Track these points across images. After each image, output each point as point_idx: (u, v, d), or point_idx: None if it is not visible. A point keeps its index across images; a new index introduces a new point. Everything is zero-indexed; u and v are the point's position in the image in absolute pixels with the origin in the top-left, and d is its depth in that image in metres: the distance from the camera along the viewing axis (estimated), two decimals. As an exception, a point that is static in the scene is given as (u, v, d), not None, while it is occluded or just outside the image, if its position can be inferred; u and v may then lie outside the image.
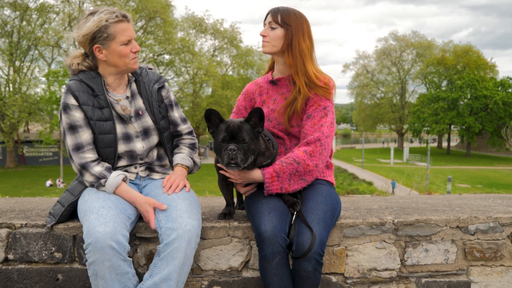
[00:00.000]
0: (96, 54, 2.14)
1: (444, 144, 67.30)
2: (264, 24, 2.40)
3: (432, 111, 53.94)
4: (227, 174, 2.23)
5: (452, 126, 57.74)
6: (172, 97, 2.41)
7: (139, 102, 2.29)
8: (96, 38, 2.10)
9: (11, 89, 36.65)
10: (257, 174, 2.19)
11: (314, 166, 2.20)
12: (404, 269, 2.42)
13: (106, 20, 2.08)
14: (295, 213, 2.15)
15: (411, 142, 60.90)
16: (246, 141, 2.06)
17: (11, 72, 36.95)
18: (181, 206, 2.05)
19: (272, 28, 2.34)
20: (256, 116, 2.09)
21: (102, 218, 1.90)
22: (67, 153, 2.18)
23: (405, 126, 62.71)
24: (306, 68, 2.31)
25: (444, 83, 58.76)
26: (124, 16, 2.13)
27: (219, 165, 2.23)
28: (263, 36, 2.37)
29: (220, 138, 2.07)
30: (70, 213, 2.22)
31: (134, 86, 2.31)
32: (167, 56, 41.92)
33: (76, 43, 2.23)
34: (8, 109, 33.53)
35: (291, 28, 2.32)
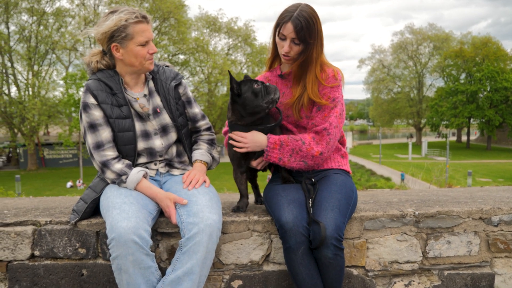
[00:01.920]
0: (113, 52, 2.17)
1: (464, 138, 66.12)
2: (282, 35, 2.24)
3: (451, 105, 53.03)
4: (235, 142, 2.27)
5: (471, 120, 56.66)
6: (190, 94, 2.43)
7: (157, 100, 2.31)
8: (114, 37, 2.13)
9: (30, 93, 37.39)
10: (263, 138, 2.25)
11: (319, 153, 2.24)
12: (426, 261, 2.39)
13: (126, 20, 2.10)
14: (310, 201, 2.16)
15: (439, 136, 59.45)
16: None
17: (30, 76, 37.69)
18: (201, 201, 2.07)
19: (296, 44, 2.24)
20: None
21: (125, 214, 1.93)
22: (88, 152, 2.22)
23: (423, 121, 61.79)
24: (316, 72, 2.30)
25: (463, 75, 57.60)
26: (144, 17, 2.15)
27: (231, 136, 2.31)
28: (287, 52, 2.26)
29: (256, 85, 2.20)
30: (93, 209, 2.27)
31: (151, 84, 2.34)
32: (181, 56, 42.19)
33: (95, 40, 2.27)
34: (28, 112, 34.23)
35: (312, 42, 2.24)
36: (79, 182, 29.48)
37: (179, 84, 2.39)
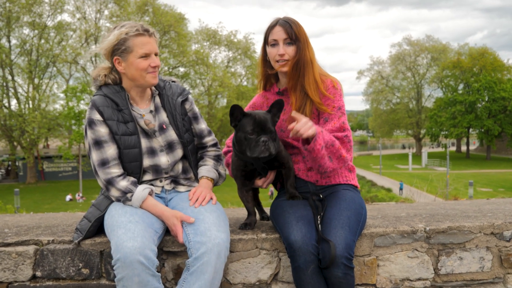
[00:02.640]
0: (116, 66, 2.16)
1: (463, 148, 66.14)
2: (273, 41, 2.27)
3: (450, 115, 53.17)
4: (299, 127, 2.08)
5: (470, 130, 56.77)
6: (196, 109, 2.39)
7: (163, 116, 2.28)
8: (115, 51, 2.12)
9: (30, 105, 37.46)
10: (312, 129, 2.06)
11: (345, 156, 2.20)
12: (438, 278, 2.34)
13: (126, 33, 2.10)
14: (318, 218, 2.11)
15: (440, 146, 59.65)
16: (273, 131, 2.12)
17: (31, 89, 37.80)
18: (209, 219, 2.02)
19: (288, 44, 2.27)
20: (276, 106, 2.18)
21: (130, 233, 1.88)
22: (92, 168, 2.17)
23: (423, 131, 61.87)
24: (314, 75, 2.28)
25: (461, 86, 57.86)
26: (146, 30, 2.13)
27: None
28: (282, 55, 2.27)
29: (249, 130, 2.10)
30: (97, 228, 2.21)
31: (157, 99, 2.30)
32: (182, 69, 42.39)
33: (97, 54, 2.26)
34: (28, 125, 34.25)
35: (301, 41, 2.27)
36: (78, 195, 29.36)
37: (186, 99, 2.36)
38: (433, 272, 2.32)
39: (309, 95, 2.26)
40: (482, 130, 53.46)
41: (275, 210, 2.27)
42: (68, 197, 29.15)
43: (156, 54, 2.17)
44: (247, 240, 2.23)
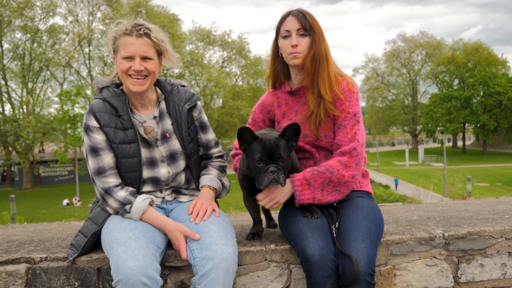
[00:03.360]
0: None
1: (459, 143, 66.29)
2: (285, 32, 2.12)
3: (445, 111, 53.27)
4: (262, 203, 2.07)
5: (466, 125, 56.92)
6: (205, 118, 2.23)
7: (167, 123, 2.12)
8: (113, 49, 2.05)
9: (25, 110, 37.14)
10: (288, 188, 2.01)
11: (351, 177, 2.01)
12: (458, 287, 2.20)
13: (115, 32, 2.01)
14: (333, 228, 1.96)
15: (436, 141, 59.96)
16: (284, 158, 1.92)
17: (24, 94, 37.46)
18: (214, 231, 1.87)
19: (302, 36, 2.11)
20: (291, 130, 1.95)
21: (131, 251, 1.72)
22: (90, 177, 2.02)
23: (419, 127, 61.96)
24: (329, 72, 2.12)
25: (456, 81, 57.98)
26: (133, 31, 1.96)
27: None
28: (295, 46, 2.10)
29: (257, 158, 1.91)
30: (93, 243, 2.06)
31: (163, 105, 2.14)
32: (176, 70, 42.10)
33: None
34: (23, 130, 33.94)
35: (316, 33, 2.11)
36: (75, 199, 29.12)
37: (194, 106, 2.18)
38: (453, 280, 2.19)
39: (321, 95, 2.10)
40: (478, 125, 53.60)
41: (286, 219, 2.11)
42: (65, 201, 28.88)
43: (144, 58, 1.97)
44: (255, 252, 2.08)
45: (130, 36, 1.96)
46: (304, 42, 2.10)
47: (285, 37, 2.13)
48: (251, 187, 2.10)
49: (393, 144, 67.42)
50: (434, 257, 2.17)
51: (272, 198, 2.03)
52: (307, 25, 2.09)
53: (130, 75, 1.98)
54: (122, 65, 1.97)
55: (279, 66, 2.25)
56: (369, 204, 2.10)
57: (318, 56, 2.10)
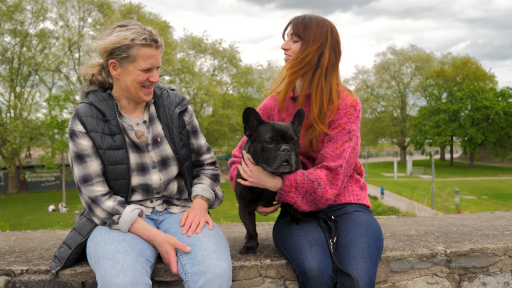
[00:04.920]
0: (110, 69, 1.91)
1: (447, 156, 66.93)
2: (287, 35, 2.17)
3: (434, 123, 53.81)
4: (243, 174, 1.95)
5: (454, 138, 57.52)
6: (196, 123, 2.14)
7: (158, 128, 2.02)
8: (114, 54, 1.86)
9: (12, 114, 36.62)
10: (275, 181, 1.91)
11: (332, 195, 1.94)
12: (459, 306, 2.12)
13: (131, 40, 1.83)
14: (331, 243, 1.87)
15: (424, 154, 60.59)
16: (295, 140, 1.85)
17: (12, 98, 36.97)
18: (207, 245, 1.76)
19: (294, 42, 2.10)
20: (298, 118, 1.94)
21: (119, 266, 1.61)
22: (76, 186, 1.91)
23: (407, 139, 62.48)
24: (322, 83, 2.05)
25: (444, 95, 58.74)
26: (154, 41, 1.87)
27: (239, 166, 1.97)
28: (285, 49, 2.14)
29: (267, 138, 1.81)
30: (78, 255, 1.94)
31: (153, 109, 2.05)
32: (167, 77, 42.00)
33: (80, 63, 2.01)
34: (10, 134, 33.41)
35: (306, 40, 2.06)
36: (61, 205, 28.63)
37: (185, 110, 2.10)
38: (454, 299, 2.11)
39: (311, 106, 2.04)
40: (466, 138, 54.22)
41: (281, 232, 2.02)
42: (51, 207, 28.37)
43: (157, 68, 1.92)
44: (250, 267, 1.98)
45: (150, 48, 1.86)
46: (295, 47, 2.10)
47: (284, 41, 2.18)
48: (248, 196, 2.00)
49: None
50: (435, 275, 2.09)
51: (257, 177, 1.91)
52: (300, 31, 2.08)
53: (143, 86, 1.90)
54: (140, 77, 1.87)
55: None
56: (368, 219, 2.01)
57: (304, 63, 2.05)
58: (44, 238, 2.69)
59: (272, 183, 1.91)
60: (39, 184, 40.65)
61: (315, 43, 2.05)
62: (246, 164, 1.95)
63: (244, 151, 2.01)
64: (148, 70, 1.88)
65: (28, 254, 2.22)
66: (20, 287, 1.91)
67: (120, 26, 1.88)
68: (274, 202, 2.05)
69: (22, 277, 1.93)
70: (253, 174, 1.92)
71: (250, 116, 1.88)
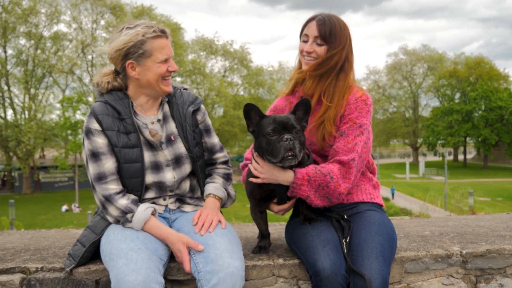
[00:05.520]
0: (128, 71, 1.92)
1: (460, 157, 66.14)
2: (305, 36, 2.09)
3: (447, 124, 53.20)
4: (254, 172, 1.95)
5: (467, 139, 56.79)
6: (209, 121, 2.15)
7: (172, 126, 2.03)
8: (130, 54, 1.88)
9: (26, 116, 37.13)
10: (287, 175, 1.90)
11: (345, 189, 1.92)
12: (475, 307, 2.08)
13: (143, 35, 1.85)
14: (344, 243, 1.86)
15: (437, 155, 60.08)
16: (298, 129, 1.84)
17: (27, 100, 37.49)
18: (220, 244, 1.76)
19: (319, 44, 2.05)
20: (302, 108, 1.91)
21: (133, 264, 1.62)
22: (90, 183, 1.92)
23: (419, 140, 61.87)
24: (339, 84, 2.06)
25: (457, 95, 58.00)
26: (163, 31, 1.90)
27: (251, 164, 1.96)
28: (308, 52, 2.07)
29: (269, 130, 1.81)
30: (92, 253, 1.95)
31: (166, 108, 2.06)
32: (178, 79, 42.22)
33: (92, 64, 2.01)
34: (24, 136, 33.89)
35: (336, 43, 2.04)
36: (74, 205, 28.95)
37: (198, 109, 2.11)
38: (470, 300, 2.08)
39: (333, 107, 2.03)
40: (479, 139, 53.48)
41: (294, 232, 2.01)
42: (64, 207, 28.69)
43: (171, 58, 1.94)
44: (263, 267, 1.97)
45: (162, 38, 1.90)
46: (320, 51, 2.05)
47: (304, 41, 2.11)
48: (258, 194, 2.00)
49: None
50: (451, 276, 2.06)
51: (270, 172, 1.91)
52: (326, 35, 2.03)
53: (163, 78, 1.93)
54: (160, 69, 1.89)
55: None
56: (382, 218, 1.99)
57: (328, 66, 2.04)
58: (58, 236, 2.72)
59: (284, 176, 1.91)
60: (53, 185, 41.16)
61: (339, 46, 2.05)
62: (256, 161, 1.95)
63: (254, 152, 2.00)
64: (165, 61, 1.90)
65: (42, 252, 2.24)
66: (35, 284, 1.93)
67: (127, 27, 1.90)
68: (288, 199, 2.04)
69: (37, 275, 1.95)
70: (264, 170, 1.92)
71: (251, 112, 1.88)
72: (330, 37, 2.03)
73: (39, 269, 1.97)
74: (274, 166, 1.91)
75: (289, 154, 1.80)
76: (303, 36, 2.11)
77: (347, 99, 2.04)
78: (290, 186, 1.91)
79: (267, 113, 2.28)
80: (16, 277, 1.94)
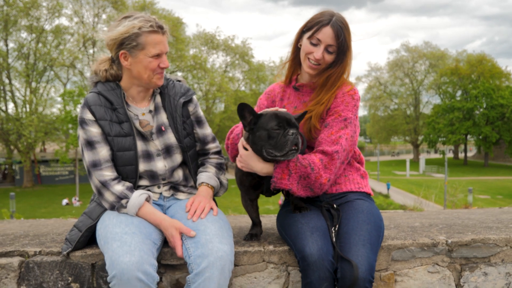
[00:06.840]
0: (120, 60, 1.98)
1: (461, 155, 66.12)
2: (316, 40, 2.05)
3: (448, 122, 53.15)
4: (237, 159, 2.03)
5: (468, 136, 56.75)
6: (201, 113, 2.20)
7: (163, 117, 2.09)
8: (124, 44, 1.93)
9: (27, 109, 37.19)
10: (264, 166, 1.95)
11: (327, 180, 1.96)
12: (460, 295, 2.15)
13: (139, 28, 1.91)
14: (333, 231, 1.92)
15: (437, 152, 60.12)
16: (298, 127, 1.92)
17: (28, 93, 37.54)
18: (210, 230, 1.83)
19: (329, 53, 2.06)
20: (301, 118, 2.01)
21: (127, 246, 1.68)
22: (86, 171, 1.99)
23: (420, 138, 61.85)
24: (335, 87, 2.10)
25: (459, 93, 57.90)
26: (160, 27, 1.95)
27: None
28: (319, 59, 2.06)
29: (274, 125, 1.87)
30: (88, 238, 2.02)
31: (158, 99, 2.12)
32: (180, 73, 42.22)
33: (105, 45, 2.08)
34: (25, 129, 33.94)
35: (346, 55, 2.08)
36: (75, 199, 29.05)
37: (189, 101, 2.17)
38: (455, 288, 2.14)
39: (323, 102, 2.08)
40: (480, 137, 53.43)
41: (285, 220, 2.07)
42: (65, 201, 28.82)
43: (165, 54, 2.00)
44: (253, 253, 2.04)
45: (157, 34, 1.94)
46: (328, 58, 2.07)
47: (313, 43, 2.06)
48: (247, 181, 2.06)
49: (397, 154, 67.60)
50: (436, 264, 2.12)
51: (246, 161, 1.97)
52: (341, 46, 2.04)
53: (154, 72, 1.98)
54: (151, 63, 1.94)
55: (298, 60, 2.21)
56: (369, 207, 2.05)
57: (334, 76, 2.09)
58: (56, 224, 2.79)
59: (259, 167, 1.96)
60: (53, 178, 41.30)
61: (347, 57, 2.10)
62: (245, 148, 2.00)
63: (243, 140, 2.04)
64: (157, 56, 1.95)
65: (41, 237, 2.31)
66: (33, 267, 2.00)
67: (126, 17, 1.95)
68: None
69: (35, 258, 2.01)
70: (242, 159, 1.98)
71: (245, 111, 1.91)
72: (343, 47, 2.04)
73: (37, 253, 2.04)
74: (251, 156, 1.96)
75: (293, 148, 1.86)
76: (314, 39, 2.05)
77: (335, 93, 2.08)
78: (271, 180, 1.96)
79: (263, 94, 2.35)
80: (15, 260, 2.01)
